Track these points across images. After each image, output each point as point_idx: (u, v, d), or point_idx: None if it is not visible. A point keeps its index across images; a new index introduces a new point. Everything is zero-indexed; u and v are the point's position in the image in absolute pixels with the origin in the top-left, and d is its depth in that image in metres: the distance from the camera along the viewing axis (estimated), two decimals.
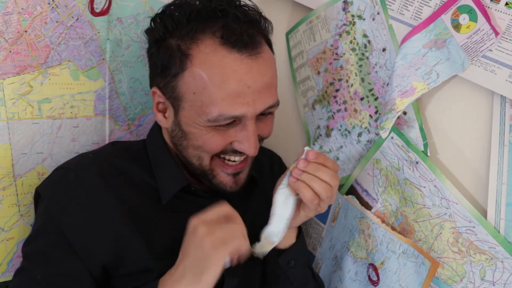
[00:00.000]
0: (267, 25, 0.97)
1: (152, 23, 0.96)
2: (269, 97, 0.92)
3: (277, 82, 0.97)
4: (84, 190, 0.93)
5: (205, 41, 0.89)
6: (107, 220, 0.91)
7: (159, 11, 0.96)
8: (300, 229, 1.03)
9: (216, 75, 0.88)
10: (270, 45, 0.97)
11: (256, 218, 0.95)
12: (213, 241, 0.80)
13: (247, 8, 0.95)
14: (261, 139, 0.97)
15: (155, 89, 0.96)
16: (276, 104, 0.94)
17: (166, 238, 0.93)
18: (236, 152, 0.93)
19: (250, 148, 0.91)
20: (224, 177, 0.96)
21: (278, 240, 0.92)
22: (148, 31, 0.97)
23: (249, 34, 0.89)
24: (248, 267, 0.99)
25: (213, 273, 0.81)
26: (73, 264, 0.89)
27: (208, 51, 0.88)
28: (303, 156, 0.90)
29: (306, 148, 0.91)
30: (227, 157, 0.95)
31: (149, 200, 0.96)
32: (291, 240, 1.01)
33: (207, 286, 0.81)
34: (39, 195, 0.96)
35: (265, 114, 0.94)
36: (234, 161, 0.95)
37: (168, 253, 0.89)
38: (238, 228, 0.83)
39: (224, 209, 0.85)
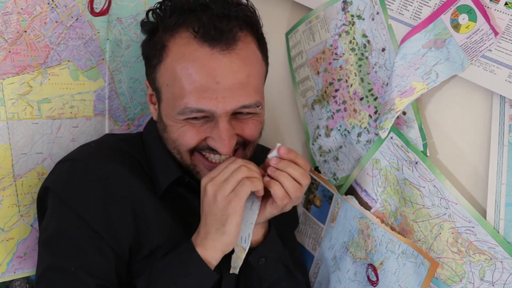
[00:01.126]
0: (255, 22, 0.94)
1: (146, 17, 0.98)
2: (243, 96, 0.89)
3: (260, 82, 0.94)
4: (95, 177, 0.93)
5: (181, 33, 0.90)
6: (123, 202, 0.92)
7: (154, 6, 0.97)
8: (270, 226, 1.00)
9: (186, 68, 0.88)
10: (261, 44, 0.96)
11: None
12: (224, 195, 0.85)
13: (238, 5, 0.93)
14: (246, 141, 0.95)
15: (146, 81, 0.99)
16: (254, 105, 0.91)
17: (162, 230, 0.94)
18: (213, 150, 0.92)
19: (222, 146, 0.90)
20: (207, 173, 0.93)
21: (248, 245, 0.91)
22: (142, 23, 0.99)
23: (221, 29, 0.88)
24: (247, 266, 0.99)
25: (234, 221, 0.86)
26: (105, 250, 0.89)
27: (181, 43, 0.89)
28: (274, 152, 0.90)
29: (278, 144, 0.90)
30: (206, 155, 0.94)
31: (149, 192, 0.96)
32: (258, 237, 0.98)
33: (232, 235, 0.87)
34: (45, 192, 0.95)
35: (242, 114, 0.92)
36: (215, 160, 0.94)
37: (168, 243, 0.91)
38: (245, 173, 0.86)
39: (229, 162, 0.89)
